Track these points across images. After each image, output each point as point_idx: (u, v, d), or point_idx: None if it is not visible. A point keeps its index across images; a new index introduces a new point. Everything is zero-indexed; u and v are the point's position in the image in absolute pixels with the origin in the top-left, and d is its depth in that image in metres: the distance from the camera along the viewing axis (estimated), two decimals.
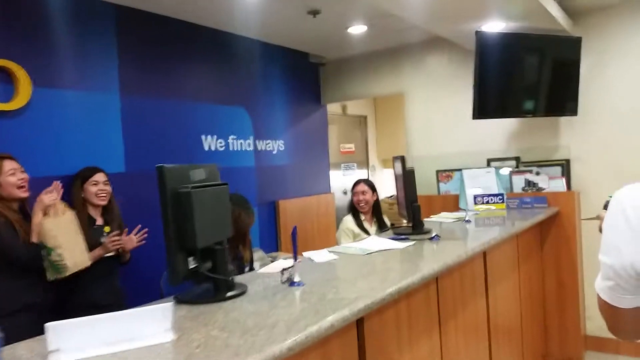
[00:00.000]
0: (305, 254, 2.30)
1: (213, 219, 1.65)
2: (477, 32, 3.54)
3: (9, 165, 2.55)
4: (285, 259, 3.95)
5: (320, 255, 2.23)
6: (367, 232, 3.56)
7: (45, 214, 2.50)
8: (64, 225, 2.51)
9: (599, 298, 1.03)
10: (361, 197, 3.64)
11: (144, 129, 3.68)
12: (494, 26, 3.61)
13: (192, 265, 1.58)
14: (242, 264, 2.92)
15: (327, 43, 4.83)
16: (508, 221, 3.36)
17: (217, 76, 4.32)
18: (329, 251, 2.35)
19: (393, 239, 2.57)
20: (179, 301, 1.60)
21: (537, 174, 3.88)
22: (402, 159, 2.74)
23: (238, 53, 4.50)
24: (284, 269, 1.76)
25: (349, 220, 3.68)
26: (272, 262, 4.05)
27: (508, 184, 4.11)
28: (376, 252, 2.26)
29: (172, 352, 1.16)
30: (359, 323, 1.57)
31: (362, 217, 3.66)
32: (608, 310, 1.03)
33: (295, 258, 1.74)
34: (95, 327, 1.23)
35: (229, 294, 1.61)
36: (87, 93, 3.31)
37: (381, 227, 3.62)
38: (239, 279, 1.90)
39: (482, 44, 3.60)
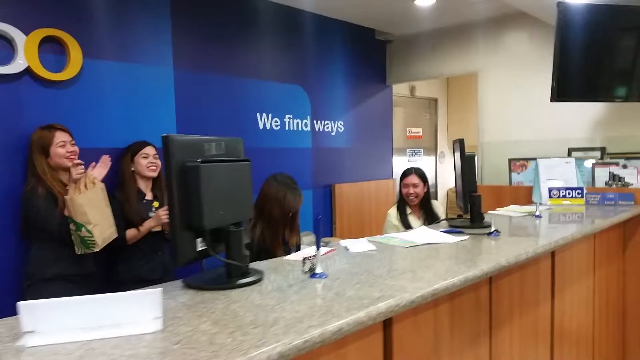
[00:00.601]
0: (342, 242, 2.10)
1: (228, 198, 1.48)
2: (559, 3, 3.11)
3: (60, 136, 2.57)
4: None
5: (357, 245, 2.02)
6: (410, 227, 3.27)
7: (75, 187, 2.49)
8: (94, 198, 2.48)
9: None
10: (412, 190, 3.36)
11: (197, 105, 3.62)
12: None
13: (200, 246, 1.43)
14: (288, 248, 2.76)
15: (394, 18, 4.53)
16: (586, 219, 2.95)
17: (274, 52, 4.18)
18: (369, 241, 2.13)
19: (446, 232, 2.30)
20: (187, 285, 1.46)
21: (624, 167, 3.38)
22: (461, 143, 2.44)
23: (297, 28, 4.32)
24: (305, 258, 1.57)
25: (392, 215, 3.43)
26: (322, 246, 3.91)
27: (590, 177, 3.64)
28: (421, 245, 2.01)
29: (146, 346, 1.01)
30: (387, 325, 1.36)
31: (409, 211, 3.39)
32: None
33: (318, 246, 1.54)
34: (75, 309, 1.11)
35: (240, 281, 1.44)
36: (139, 65, 3.28)
37: (432, 220, 3.32)
38: (261, 264, 1.74)
39: (565, 16, 3.16)
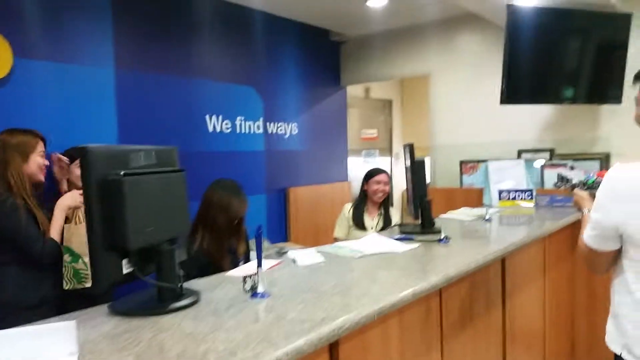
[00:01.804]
0: (290, 253, 2.00)
1: (159, 213, 1.36)
2: (508, 6, 3.12)
3: (41, 146, 2.35)
4: (287, 251, 3.68)
5: (305, 257, 1.93)
6: (363, 226, 3.24)
7: (75, 214, 2.27)
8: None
9: (584, 246, 1.47)
10: (382, 187, 3.29)
11: (141, 108, 3.44)
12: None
13: (126, 268, 1.30)
14: (236, 258, 2.64)
15: (347, 19, 4.47)
16: (535, 220, 2.97)
17: (224, 52, 4.04)
18: (318, 251, 2.05)
19: (396, 238, 2.24)
20: (114, 310, 1.33)
21: (572, 168, 3.44)
22: (411, 148, 2.39)
23: (249, 27, 4.19)
24: (246, 276, 1.46)
25: (346, 208, 3.37)
26: (277, 253, 3.80)
27: (539, 179, 3.69)
28: (370, 255, 1.94)
29: None
30: (333, 346, 1.27)
31: (365, 208, 3.32)
32: (589, 254, 1.48)
33: (259, 263, 1.44)
34: None
35: (173, 305, 1.32)
36: (77, 66, 3.08)
37: (386, 224, 3.27)
38: (200, 283, 1.62)
39: (514, 19, 3.18)
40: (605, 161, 3.65)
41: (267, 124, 4.41)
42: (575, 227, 3.23)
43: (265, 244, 4.09)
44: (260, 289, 1.42)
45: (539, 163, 3.78)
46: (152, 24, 3.51)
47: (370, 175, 3.34)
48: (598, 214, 1.40)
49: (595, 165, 3.67)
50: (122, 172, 1.23)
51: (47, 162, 2.36)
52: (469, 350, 2.01)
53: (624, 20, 3.37)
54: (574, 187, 2.75)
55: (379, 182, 3.28)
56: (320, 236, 4.91)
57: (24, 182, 2.18)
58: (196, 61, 3.81)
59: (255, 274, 1.44)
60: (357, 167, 5.64)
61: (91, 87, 3.16)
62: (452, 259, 1.85)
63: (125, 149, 1.33)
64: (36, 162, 2.27)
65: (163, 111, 3.58)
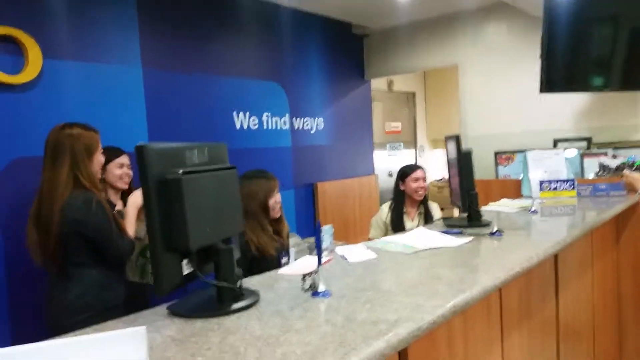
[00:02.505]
0: (339, 249, 1.94)
1: (215, 212, 1.31)
2: None
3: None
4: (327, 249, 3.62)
5: (355, 253, 1.86)
6: (402, 229, 3.06)
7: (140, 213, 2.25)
8: None
9: None
10: (422, 184, 3.13)
11: (169, 105, 3.40)
12: None
13: (186, 269, 1.25)
14: (281, 241, 2.59)
15: (372, 11, 4.38)
16: (580, 211, 2.86)
17: (248, 48, 3.98)
18: (367, 247, 1.98)
19: (445, 232, 2.16)
20: (173, 313, 1.28)
21: (614, 157, 3.32)
22: (457, 139, 2.31)
23: (272, 23, 4.13)
24: (305, 274, 1.40)
25: (384, 212, 3.20)
26: (308, 248, 3.74)
27: (579, 168, 3.57)
28: (423, 250, 1.87)
29: None
30: (402, 349, 1.20)
31: (405, 209, 3.17)
32: None
33: (319, 261, 1.38)
34: (51, 356, 0.92)
35: (235, 306, 1.27)
36: (104, 65, 3.05)
37: (427, 222, 3.17)
38: (254, 282, 1.56)
39: (551, 5, 3.06)
40: None
41: (293, 119, 4.35)
42: (619, 218, 3.13)
43: (296, 239, 4.04)
44: (321, 288, 1.36)
45: (573, 152, 3.66)
46: (177, 22, 3.47)
47: (406, 173, 3.16)
48: None
49: (637, 153, 3.54)
50: (180, 171, 1.18)
51: (127, 172, 2.39)
52: (525, 345, 1.93)
53: None
54: (621, 170, 2.65)
55: (417, 179, 3.12)
56: (349, 230, 4.85)
57: (95, 180, 2.10)
58: (221, 58, 3.77)
59: (315, 271, 1.38)
60: (382, 160, 5.55)
61: (120, 85, 3.14)
62: (511, 254, 1.76)
63: (180, 146, 1.28)
64: (99, 161, 2.19)
65: (191, 109, 3.54)
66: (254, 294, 1.36)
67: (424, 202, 3.20)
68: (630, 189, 2.23)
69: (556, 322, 2.24)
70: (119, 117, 3.10)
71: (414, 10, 4.29)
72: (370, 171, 5.26)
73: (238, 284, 1.32)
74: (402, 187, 3.16)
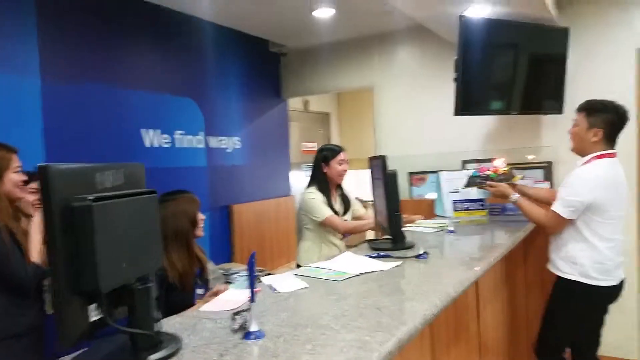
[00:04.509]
0: (265, 279, 1.80)
1: (133, 245, 1.12)
2: (460, 17, 3.14)
3: (16, 161, 2.01)
4: (239, 276, 3.40)
5: (284, 282, 1.74)
6: (335, 213, 2.94)
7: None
8: None
9: (559, 217, 2.30)
10: (345, 167, 2.98)
11: (70, 121, 3.06)
12: (479, 10, 3.21)
13: (94, 316, 1.05)
14: (201, 265, 2.40)
15: (289, 29, 4.33)
16: (493, 230, 2.98)
17: (159, 61, 3.74)
18: (296, 275, 1.86)
19: (372, 256, 2.11)
20: None
21: (522, 177, 3.51)
22: (383, 160, 2.28)
23: (187, 35, 3.92)
24: (235, 313, 1.25)
25: (317, 194, 2.93)
26: (224, 275, 3.53)
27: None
28: (355, 276, 1.79)
29: None
30: None
31: (330, 193, 3.00)
32: (561, 223, 2.33)
33: (252, 296, 1.24)
34: None
35: (153, 357, 1.09)
36: None
37: (346, 206, 3.06)
38: (172, 323, 1.38)
39: (466, 30, 3.20)
40: (548, 169, 3.77)
41: (208, 138, 4.14)
42: (529, 233, 3.27)
43: (211, 265, 3.81)
44: (253, 327, 1.22)
45: (464, 174, 3.71)
46: (81, 31, 3.16)
47: (331, 155, 2.96)
48: (579, 197, 2.25)
49: (539, 173, 3.79)
50: (90, 197, 0.99)
51: (24, 177, 2.02)
52: None
53: (562, 34, 3.52)
54: (480, 184, 2.99)
55: (342, 162, 2.98)
56: (265, 254, 4.69)
57: (2, 203, 1.88)
58: (129, 71, 3.49)
59: (246, 309, 1.24)
60: (298, 180, 5.48)
61: (13, 98, 2.77)
62: (442, 277, 1.74)
63: (90, 167, 1.09)
64: (11, 180, 1.96)
65: (95, 125, 3.22)
66: (174, 339, 1.18)
67: (340, 186, 3.08)
68: (500, 196, 2.82)
69: (478, 342, 2.27)
70: (10, 133, 2.73)
71: (331, 30, 4.31)
72: (287, 192, 5.16)
73: (156, 328, 1.14)
74: (325, 170, 2.97)
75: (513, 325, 3.01)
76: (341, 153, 3.00)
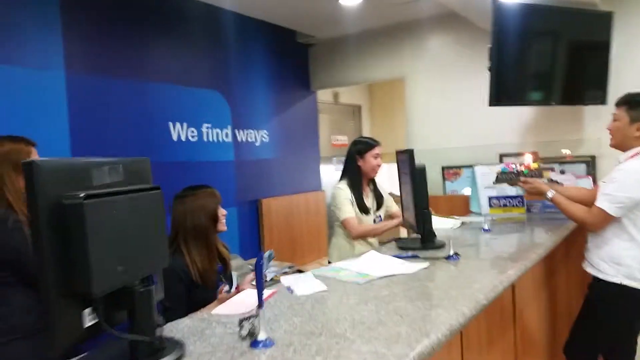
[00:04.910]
0: (284, 280, 1.71)
1: (132, 245, 1.05)
2: (494, 2, 2.95)
3: (35, 154, 1.99)
4: (271, 273, 3.33)
5: (303, 284, 1.64)
6: (366, 210, 2.82)
7: None
8: None
9: (604, 214, 2.15)
10: (380, 161, 2.85)
11: (96, 114, 3.07)
12: None
13: (89, 320, 0.99)
14: (225, 263, 2.35)
15: (318, 19, 4.23)
16: (532, 228, 2.80)
17: (187, 53, 3.70)
18: (315, 275, 1.76)
19: (398, 256, 1.99)
20: None
21: (562, 172, 3.30)
22: (411, 154, 2.15)
23: (213, 27, 3.88)
24: (242, 319, 1.16)
25: (346, 190, 2.81)
26: (252, 271, 3.48)
27: None
28: (378, 278, 1.68)
29: None
30: None
31: (362, 189, 2.88)
32: (606, 221, 2.18)
33: (260, 302, 1.14)
34: None
35: None
36: (21, 69, 2.69)
37: (379, 202, 2.93)
38: (180, 327, 1.31)
39: (500, 16, 3.01)
40: (592, 164, 3.54)
41: (236, 131, 4.09)
42: (572, 232, 3.07)
43: (239, 260, 3.77)
44: (261, 336, 1.13)
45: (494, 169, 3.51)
46: (105, 23, 3.15)
47: (366, 148, 2.83)
48: (629, 194, 2.10)
49: (581, 168, 3.56)
50: (81, 194, 0.92)
51: None
52: None
53: (605, 19, 3.27)
54: (512, 180, 2.78)
55: (377, 156, 2.84)
56: (296, 250, 4.62)
57: (21, 198, 1.85)
58: (157, 64, 3.47)
59: (254, 315, 1.15)
60: (329, 175, 5.38)
61: (39, 92, 2.78)
62: (473, 282, 1.60)
63: (85, 162, 1.02)
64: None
65: (122, 119, 3.22)
66: (178, 346, 1.11)
67: (373, 180, 2.95)
68: (536, 193, 2.60)
69: (514, 349, 2.12)
70: (37, 127, 2.74)
71: (359, 19, 4.18)
72: (318, 186, 5.07)
73: (158, 335, 1.06)
74: (359, 163, 2.84)
75: (554, 329, 2.83)
76: (377, 147, 2.88)
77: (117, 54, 3.20)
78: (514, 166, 2.88)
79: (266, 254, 2.49)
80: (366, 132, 6.81)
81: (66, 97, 2.92)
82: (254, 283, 2.30)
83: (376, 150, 2.86)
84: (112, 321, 1.04)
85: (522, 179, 2.72)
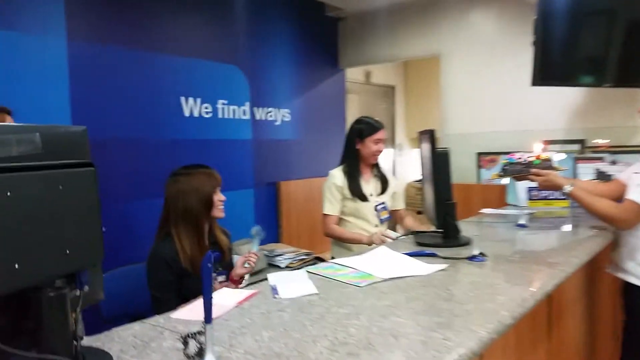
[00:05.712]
0: (271, 278, 1.46)
1: (43, 237, 0.81)
2: None
3: (8, 121, 1.89)
4: (286, 260, 3.11)
5: (291, 284, 1.39)
6: (363, 196, 2.56)
7: None
8: None
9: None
10: (381, 147, 2.59)
11: (100, 86, 2.88)
12: None
13: None
14: (222, 249, 2.14)
15: None
16: (574, 226, 2.44)
17: (202, 24, 3.47)
18: (309, 273, 1.50)
19: (413, 254, 1.70)
20: None
21: (614, 163, 2.91)
22: (432, 135, 1.85)
23: None
24: (187, 335, 0.91)
25: (337, 177, 2.58)
26: (267, 257, 3.25)
27: (571, 175, 3.14)
28: (382, 281, 1.40)
29: None
30: None
31: (359, 174, 2.61)
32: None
33: (208, 315, 0.89)
34: None
35: None
36: (19, 34, 2.53)
37: (384, 186, 2.65)
38: (128, 333, 1.08)
39: None
40: None
41: (254, 109, 3.85)
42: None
43: (255, 246, 3.56)
44: (209, 356, 0.88)
45: (561, 155, 3.17)
46: None
47: (368, 132, 2.56)
48: None
49: (636, 158, 3.13)
50: None
51: None
52: None
53: None
54: (520, 172, 2.31)
55: (378, 141, 2.57)
56: (315, 237, 4.37)
57: None
58: (168, 34, 3.25)
59: (200, 332, 0.90)
60: None
61: (38, 60, 2.61)
62: (498, 293, 1.31)
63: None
64: None
65: (128, 91, 3.02)
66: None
67: (376, 165, 2.67)
68: (550, 187, 2.26)
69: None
70: (36, 95, 2.58)
71: None
72: None
73: (75, 353, 0.83)
74: (358, 147, 2.58)
75: (595, 342, 2.49)
76: (380, 131, 2.56)
77: (124, 21, 2.99)
78: (520, 156, 2.44)
79: (256, 228, 2.26)
80: (400, 115, 6.46)
81: (67, 67, 2.74)
82: (240, 271, 2.08)
83: (378, 135, 2.55)
84: (18, 337, 0.82)
85: (533, 170, 2.27)
